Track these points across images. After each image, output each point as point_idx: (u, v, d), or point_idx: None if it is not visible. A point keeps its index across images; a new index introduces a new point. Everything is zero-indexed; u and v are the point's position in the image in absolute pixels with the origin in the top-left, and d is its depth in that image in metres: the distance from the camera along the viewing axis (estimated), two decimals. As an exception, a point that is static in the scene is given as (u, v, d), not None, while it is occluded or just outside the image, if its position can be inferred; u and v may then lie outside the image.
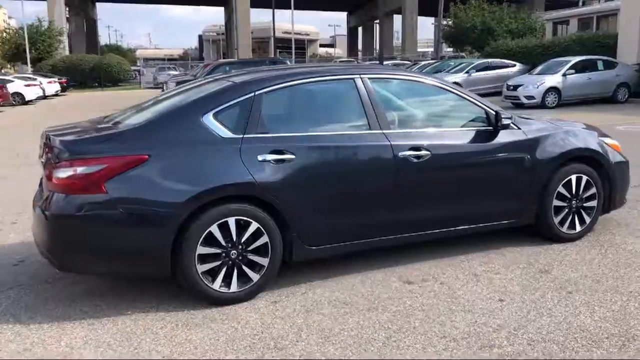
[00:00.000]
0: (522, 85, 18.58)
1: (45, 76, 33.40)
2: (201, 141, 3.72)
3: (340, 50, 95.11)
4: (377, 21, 66.41)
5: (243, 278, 3.79)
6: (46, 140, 3.77)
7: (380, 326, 3.47)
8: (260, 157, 3.75)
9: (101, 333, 3.45)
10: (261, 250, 3.82)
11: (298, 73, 4.25)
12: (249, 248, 3.78)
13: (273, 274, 3.91)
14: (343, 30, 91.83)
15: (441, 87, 4.56)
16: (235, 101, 3.87)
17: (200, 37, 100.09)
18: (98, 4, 73.33)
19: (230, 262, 3.74)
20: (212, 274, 3.72)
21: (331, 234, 4.05)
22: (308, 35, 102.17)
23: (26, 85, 27.23)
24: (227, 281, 3.75)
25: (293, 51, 50.10)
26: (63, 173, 3.48)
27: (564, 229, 4.84)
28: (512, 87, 18.88)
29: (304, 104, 4.27)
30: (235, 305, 3.78)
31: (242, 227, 3.73)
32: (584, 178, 4.83)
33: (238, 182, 3.69)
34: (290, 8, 50.96)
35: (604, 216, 5.40)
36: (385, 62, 34.26)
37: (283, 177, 3.80)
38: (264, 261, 3.83)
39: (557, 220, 4.79)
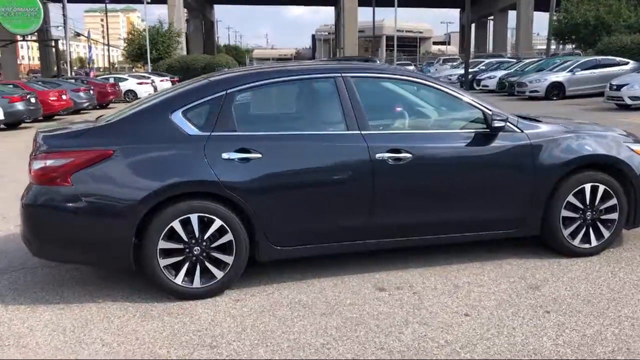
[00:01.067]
0: (626, 84, 17.06)
1: (160, 75, 35.58)
2: (168, 138, 3.81)
3: (454, 48, 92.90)
4: (491, 17, 64.19)
5: (207, 274, 3.84)
6: (35, 136, 4.04)
7: (324, 332, 3.38)
8: (225, 155, 3.78)
9: (64, 318, 3.65)
10: (226, 248, 3.85)
11: (276, 72, 4.22)
12: (213, 245, 3.82)
13: (238, 272, 3.92)
14: (457, 27, 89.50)
15: (434, 87, 4.33)
16: (206, 99, 3.92)
17: (313, 36, 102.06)
18: (217, 7, 77.05)
19: (193, 258, 3.80)
20: (176, 268, 3.80)
21: (300, 235, 3.99)
22: (421, 33, 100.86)
23: (138, 84, 29.23)
24: (190, 277, 3.82)
25: (395, 49, 49.56)
26: (37, 165, 3.73)
27: (576, 242, 4.41)
28: (615, 87, 17.39)
29: (279, 103, 4.26)
30: (198, 301, 3.84)
31: (205, 224, 3.78)
32: (601, 187, 4.37)
33: (199, 180, 3.75)
34: (399, 6, 50.46)
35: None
36: (487, 60, 33.01)
37: (248, 176, 3.80)
38: (229, 259, 3.85)
39: (566, 232, 4.38)
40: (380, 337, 3.30)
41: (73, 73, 49.77)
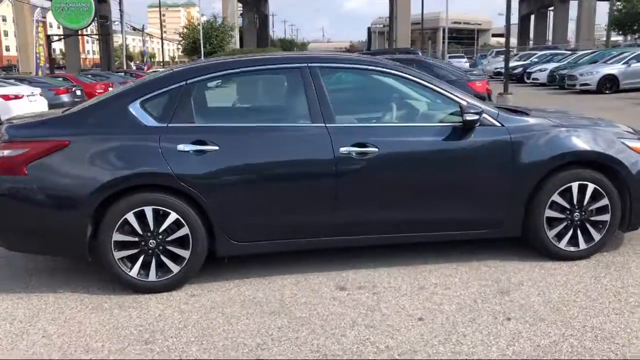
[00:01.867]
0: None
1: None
2: (125, 129, 3.76)
3: (514, 40, 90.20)
4: (551, 8, 61.81)
5: (163, 268, 3.79)
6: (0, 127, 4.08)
7: (265, 332, 3.26)
8: (180, 147, 3.71)
9: (19, 307, 3.67)
10: (183, 242, 3.78)
11: (239, 62, 4.10)
12: (169, 239, 3.76)
13: (196, 267, 3.84)
14: (516, 19, 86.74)
15: (406, 78, 4.09)
16: (164, 90, 3.85)
17: (368, 29, 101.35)
18: (272, 1, 77.52)
19: (149, 252, 3.75)
20: (132, 261, 3.76)
21: (260, 230, 3.87)
22: (479, 24, 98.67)
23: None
24: (146, 270, 3.77)
25: (445, 40, 48.42)
26: None
27: (562, 245, 4.11)
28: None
29: (242, 94, 4.14)
30: (154, 295, 3.79)
31: (161, 216, 3.72)
32: (590, 186, 4.05)
33: (152, 172, 3.68)
34: (452, -3, 49.31)
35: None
36: (540, 52, 31.86)
37: (204, 169, 3.71)
38: (185, 253, 3.78)
39: (551, 234, 4.09)
40: (320, 340, 3.15)
41: (134, 66, 51.08)
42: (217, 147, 3.73)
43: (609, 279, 3.83)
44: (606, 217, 4.12)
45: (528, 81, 26.35)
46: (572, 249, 4.13)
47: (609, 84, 20.28)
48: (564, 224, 4.10)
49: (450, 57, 43.58)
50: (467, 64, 42.34)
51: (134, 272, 3.76)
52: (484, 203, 4.02)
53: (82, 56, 73.34)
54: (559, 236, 4.11)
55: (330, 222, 3.90)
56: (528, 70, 26.87)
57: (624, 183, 4.10)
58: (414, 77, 4.11)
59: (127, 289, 3.83)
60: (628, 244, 4.49)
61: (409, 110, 4.25)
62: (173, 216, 3.72)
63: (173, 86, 3.86)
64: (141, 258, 3.75)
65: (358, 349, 3.04)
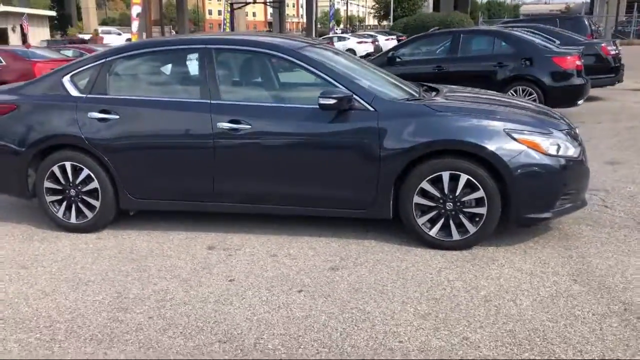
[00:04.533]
0: None
1: (388, 34, 36.46)
2: (57, 98, 4.63)
3: None
4: None
5: (81, 213, 4.64)
6: None
7: (103, 274, 3.88)
8: (90, 115, 4.48)
9: (-17, 231, 4.81)
10: (95, 194, 4.58)
11: (153, 43, 4.70)
12: (84, 189, 4.59)
13: (108, 215, 4.63)
14: None
15: (296, 62, 4.29)
16: (90, 65, 4.64)
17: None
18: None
19: (71, 198, 4.63)
20: (60, 204, 4.67)
21: (154, 190, 4.51)
22: None
23: (358, 43, 30.52)
24: (69, 213, 4.66)
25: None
26: None
27: (433, 233, 4.08)
28: None
29: (147, 70, 4.73)
30: (75, 234, 4.66)
31: (77, 171, 4.56)
32: (463, 177, 3.93)
33: (68, 134, 4.51)
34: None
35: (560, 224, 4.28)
36: None
37: (106, 134, 4.45)
38: (96, 203, 4.59)
39: (421, 220, 4.08)
40: (119, 289, 3.64)
41: (337, 31, 53.13)
42: (117, 116, 4.43)
43: (448, 274, 3.74)
44: (482, 210, 3.97)
45: None
46: (444, 238, 4.07)
47: None
48: (435, 212, 4.05)
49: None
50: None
51: (60, 213, 4.67)
52: (352, 184, 4.15)
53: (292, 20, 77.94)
54: (433, 222, 4.08)
55: (211, 190, 4.38)
56: None
57: (501, 176, 3.90)
58: (303, 62, 4.28)
59: (60, 228, 4.76)
60: (531, 241, 4.23)
61: (291, 92, 4.47)
62: (85, 172, 4.53)
63: (96, 62, 4.62)
64: (64, 203, 4.64)
65: (135, 301, 3.46)
